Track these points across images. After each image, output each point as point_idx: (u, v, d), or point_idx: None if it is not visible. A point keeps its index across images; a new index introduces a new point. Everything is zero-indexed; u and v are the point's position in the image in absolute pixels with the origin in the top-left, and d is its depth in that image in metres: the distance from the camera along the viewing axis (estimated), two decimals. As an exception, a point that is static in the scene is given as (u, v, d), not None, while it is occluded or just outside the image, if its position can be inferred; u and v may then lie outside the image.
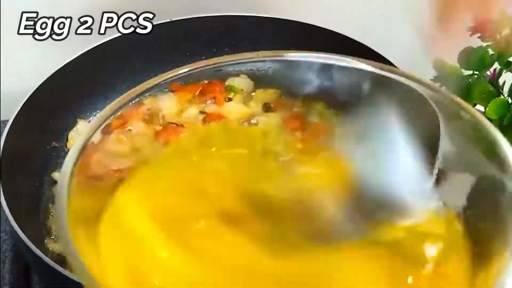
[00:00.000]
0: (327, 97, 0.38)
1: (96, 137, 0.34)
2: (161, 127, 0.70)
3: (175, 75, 0.37)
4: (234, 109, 0.75)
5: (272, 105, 0.75)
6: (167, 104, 0.75)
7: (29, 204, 0.64)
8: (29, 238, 0.55)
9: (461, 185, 0.34)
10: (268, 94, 0.76)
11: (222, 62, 0.37)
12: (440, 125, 0.34)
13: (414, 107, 0.36)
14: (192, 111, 0.74)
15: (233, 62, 0.38)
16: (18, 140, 0.63)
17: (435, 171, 0.35)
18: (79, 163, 0.32)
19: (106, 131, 0.36)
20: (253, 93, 0.77)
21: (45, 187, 0.68)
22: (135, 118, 0.69)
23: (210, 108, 0.75)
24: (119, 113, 0.37)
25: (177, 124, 0.72)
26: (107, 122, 0.35)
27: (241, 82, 0.77)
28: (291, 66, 0.38)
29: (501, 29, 0.68)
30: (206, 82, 0.77)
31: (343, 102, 0.37)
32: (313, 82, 0.37)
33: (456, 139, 0.35)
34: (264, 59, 0.38)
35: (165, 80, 0.37)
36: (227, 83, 0.77)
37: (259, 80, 0.78)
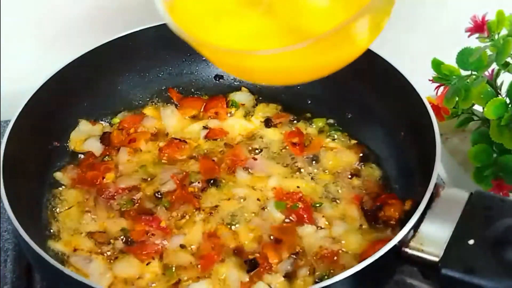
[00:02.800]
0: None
1: None
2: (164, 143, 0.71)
3: None
4: (236, 124, 0.75)
5: (273, 120, 0.76)
6: (171, 120, 0.76)
7: (31, 203, 0.65)
8: (31, 237, 0.55)
9: None
10: (269, 109, 0.77)
11: None
12: None
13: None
14: (195, 127, 0.75)
15: None
16: (19, 140, 0.64)
17: None
18: None
19: None
20: (255, 108, 0.78)
21: (47, 187, 0.68)
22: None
23: (213, 123, 0.75)
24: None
25: (180, 140, 0.73)
26: None
27: (242, 97, 0.78)
28: None
29: (499, 29, 0.68)
30: (208, 97, 0.79)
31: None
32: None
33: None
34: None
35: None
36: (229, 98, 0.78)
37: (260, 94, 0.79)
